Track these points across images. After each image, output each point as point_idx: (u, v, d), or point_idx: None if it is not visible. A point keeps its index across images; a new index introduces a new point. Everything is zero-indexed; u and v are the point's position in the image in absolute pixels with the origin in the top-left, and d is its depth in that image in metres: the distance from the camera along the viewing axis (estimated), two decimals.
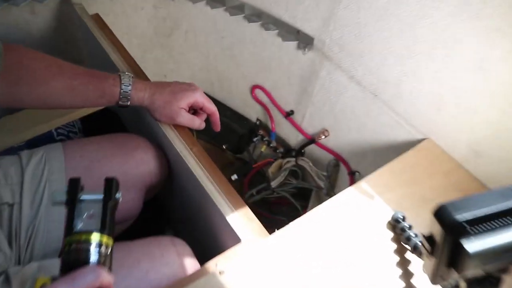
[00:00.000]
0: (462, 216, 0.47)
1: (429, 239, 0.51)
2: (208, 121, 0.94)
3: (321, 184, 1.20)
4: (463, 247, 0.47)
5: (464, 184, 0.86)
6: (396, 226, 0.77)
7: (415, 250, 0.73)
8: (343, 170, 1.18)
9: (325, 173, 1.20)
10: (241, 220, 0.78)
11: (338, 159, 1.17)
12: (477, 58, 0.77)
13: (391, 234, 0.78)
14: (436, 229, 0.50)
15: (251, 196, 1.28)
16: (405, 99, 0.93)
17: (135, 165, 0.92)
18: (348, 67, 1.02)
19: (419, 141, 0.93)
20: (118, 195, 0.57)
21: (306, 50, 1.10)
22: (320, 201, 1.26)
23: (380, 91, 0.97)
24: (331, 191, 1.18)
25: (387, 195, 0.82)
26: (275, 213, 1.32)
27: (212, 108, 0.91)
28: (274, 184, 1.24)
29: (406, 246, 0.75)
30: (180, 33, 1.37)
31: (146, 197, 0.99)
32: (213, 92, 1.46)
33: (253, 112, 1.40)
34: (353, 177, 1.14)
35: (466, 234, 0.47)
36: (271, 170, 1.28)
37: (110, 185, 0.57)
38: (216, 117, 0.93)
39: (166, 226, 1.22)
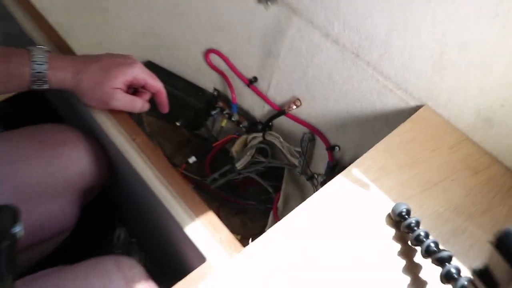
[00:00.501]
0: None
1: (484, 275, 0.35)
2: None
3: (295, 161, 1.04)
4: None
5: (474, 160, 0.71)
6: (400, 222, 0.61)
7: (428, 254, 0.57)
8: (319, 145, 1.02)
9: (298, 149, 1.04)
10: (205, 231, 0.61)
11: (314, 132, 1.01)
12: (492, 1, 0.60)
13: (393, 231, 0.62)
14: (496, 263, 0.33)
15: (214, 181, 1.11)
16: (395, 58, 0.76)
17: (63, 166, 0.73)
18: (322, 22, 0.84)
19: (414, 109, 0.77)
20: (17, 228, 0.41)
21: (269, 3, 0.92)
22: (294, 180, 1.11)
23: (363, 50, 0.80)
24: (306, 169, 1.02)
25: (384, 182, 0.66)
26: (244, 197, 1.17)
27: (156, 85, 0.73)
28: (239, 165, 1.08)
29: (415, 247, 0.60)
30: None
31: (85, 199, 0.81)
32: (160, 61, 1.26)
33: (209, 82, 1.21)
34: (332, 153, 0.98)
35: None
36: (235, 148, 1.11)
37: (3, 217, 0.41)
38: (163, 95, 0.75)
39: (117, 225, 1.03)
